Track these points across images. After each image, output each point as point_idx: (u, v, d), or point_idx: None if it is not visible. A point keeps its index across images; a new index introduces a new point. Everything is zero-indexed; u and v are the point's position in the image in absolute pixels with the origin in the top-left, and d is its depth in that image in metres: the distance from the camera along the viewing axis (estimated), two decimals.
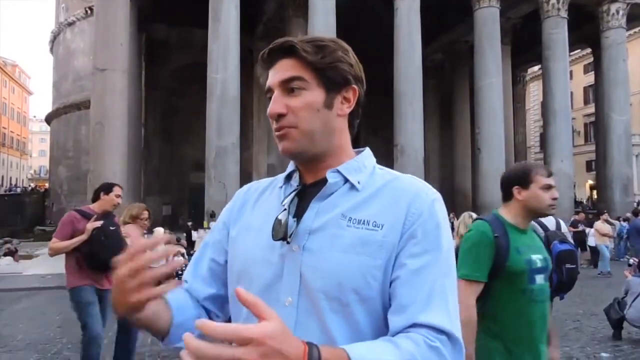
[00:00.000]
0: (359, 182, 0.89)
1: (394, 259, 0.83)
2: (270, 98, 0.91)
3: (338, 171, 0.90)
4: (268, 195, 0.99)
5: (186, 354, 0.59)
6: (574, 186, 19.28)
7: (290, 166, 0.97)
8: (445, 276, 0.83)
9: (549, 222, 4.13)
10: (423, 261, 0.82)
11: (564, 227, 4.13)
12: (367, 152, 0.97)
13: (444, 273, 0.83)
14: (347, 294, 0.81)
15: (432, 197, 0.88)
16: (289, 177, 0.96)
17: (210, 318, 0.97)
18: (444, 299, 0.81)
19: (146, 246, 0.78)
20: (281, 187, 0.96)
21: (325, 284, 0.82)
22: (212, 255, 1.00)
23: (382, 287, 0.82)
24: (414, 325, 0.78)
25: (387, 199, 0.87)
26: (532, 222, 4.28)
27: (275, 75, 0.90)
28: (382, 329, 0.83)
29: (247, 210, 0.99)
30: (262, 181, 1.05)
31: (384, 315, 0.83)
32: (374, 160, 0.96)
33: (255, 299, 0.63)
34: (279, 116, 0.88)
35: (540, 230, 4.05)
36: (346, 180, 0.90)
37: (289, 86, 0.88)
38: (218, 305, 0.99)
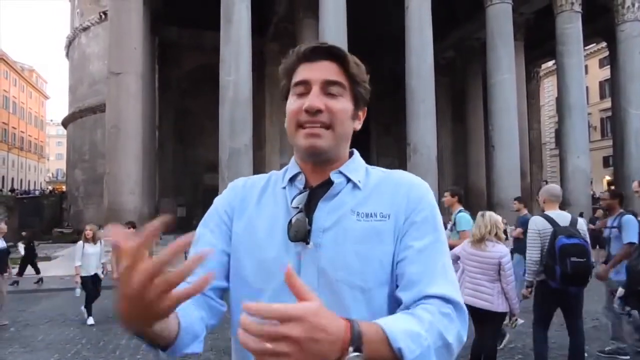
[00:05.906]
0: (359, 181, 0.97)
1: (399, 242, 0.92)
2: (300, 91, 0.94)
3: (340, 172, 0.96)
4: (270, 195, 1.00)
5: (242, 331, 0.60)
6: (591, 182, 18.94)
7: (293, 168, 1.00)
8: (444, 254, 0.94)
9: (562, 218, 4.05)
10: (425, 242, 0.91)
11: (582, 225, 4.03)
12: (357, 153, 1.04)
13: (443, 251, 0.94)
14: (368, 281, 0.88)
15: (426, 186, 0.98)
16: (292, 179, 0.98)
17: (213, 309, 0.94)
18: (446, 273, 0.91)
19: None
20: (284, 188, 0.98)
21: (348, 274, 0.88)
22: (222, 246, 0.97)
23: (393, 269, 0.91)
24: (425, 298, 0.86)
25: (387, 193, 0.96)
26: (542, 219, 4.31)
27: (320, 72, 0.93)
28: (394, 307, 0.90)
29: (250, 207, 0.99)
30: (256, 178, 1.06)
31: (394, 294, 0.91)
32: (363, 161, 1.04)
33: (296, 280, 0.64)
34: (317, 112, 0.91)
35: (549, 226, 4.07)
36: (348, 180, 0.96)
37: (330, 88, 0.93)
38: (220, 295, 0.97)
